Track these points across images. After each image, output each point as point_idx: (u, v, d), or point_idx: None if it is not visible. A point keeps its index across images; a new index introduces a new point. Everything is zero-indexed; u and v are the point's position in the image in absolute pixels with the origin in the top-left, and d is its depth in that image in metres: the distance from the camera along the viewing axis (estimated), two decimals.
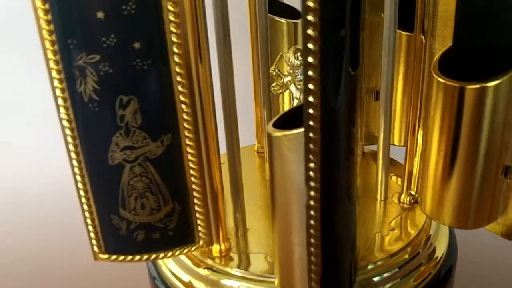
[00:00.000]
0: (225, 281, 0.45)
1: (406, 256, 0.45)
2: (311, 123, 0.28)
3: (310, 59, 0.27)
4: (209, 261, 0.46)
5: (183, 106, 0.37)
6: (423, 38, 0.44)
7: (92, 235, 0.43)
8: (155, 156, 0.39)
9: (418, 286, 0.45)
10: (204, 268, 0.46)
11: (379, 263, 0.44)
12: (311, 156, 0.29)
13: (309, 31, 0.26)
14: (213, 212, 0.43)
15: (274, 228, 0.36)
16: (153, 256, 0.44)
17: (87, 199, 0.41)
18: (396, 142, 0.53)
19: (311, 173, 0.30)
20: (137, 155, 0.39)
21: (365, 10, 0.31)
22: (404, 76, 0.49)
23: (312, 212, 0.31)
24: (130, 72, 0.35)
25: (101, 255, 0.44)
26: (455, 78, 0.37)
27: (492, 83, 0.36)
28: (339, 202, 0.33)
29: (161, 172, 0.40)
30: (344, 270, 0.37)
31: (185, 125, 0.38)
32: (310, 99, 0.28)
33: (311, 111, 0.28)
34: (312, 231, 0.32)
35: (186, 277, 0.47)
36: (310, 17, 0.26)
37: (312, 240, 0.33)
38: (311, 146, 0.29)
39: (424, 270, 0.46)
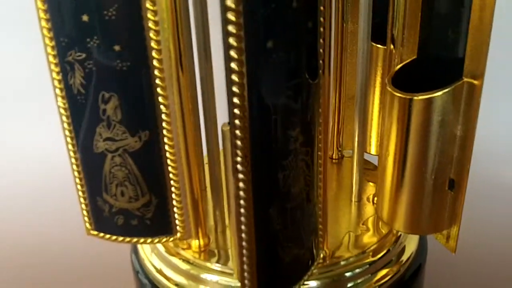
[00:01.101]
0: (204, 275, 0.48)
1: (377, 254, 0.47)
2: (236, 121, 0.32)
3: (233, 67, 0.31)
4: (189, 257, 0.49)
5: (162, 107, 0.40)
6: (393, 50, 0.46)
7: (84, 212, 0.47)
8: (133, 149, 0.42)
9: (387, 282, 0.48)
10: (184, 262, 0.49)
11: (351, 259, 0.47)
12: (238, 151, 0.33)
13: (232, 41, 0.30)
14: (192, 209, 0.46)
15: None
16: (134, 240, 0.47)
17: (80, 179, 0.45)
18: (373, 152, 0.55)
19: (238, 166, 0.33)
20: (117, 147, 0.43)
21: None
22: (380, 88, 0.51)
23: (242, 202, 0.34)
24: (111, 71, 0.39)
25: (91, 231, 0.48)
26: (421, 90, 0.39)
27: (434, 95, 0.38)
28: (275, 198, 0.36)
29: (139, 165, 0.43)
30: (282, 266, 0.39)
31: (164, 125, 0.41)
32: (235, 100, 0.31)
33: (236, 111, 0.32)
34: (243, 226, 0.36)
35: (168, 271, 0.50)
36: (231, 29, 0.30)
37: (243, 235, 0.36)
38: (238, 142, 0.33)
39: (394, 267, 0.49)
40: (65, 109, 0.42)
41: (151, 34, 0.38)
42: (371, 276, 0.48)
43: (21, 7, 0.73)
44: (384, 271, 0.48)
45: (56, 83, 0.41)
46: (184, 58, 0.40)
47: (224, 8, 0.29)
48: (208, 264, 0.48)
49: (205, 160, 0.51)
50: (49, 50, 0.40)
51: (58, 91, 0.42)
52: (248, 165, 0.34)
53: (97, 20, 0.37)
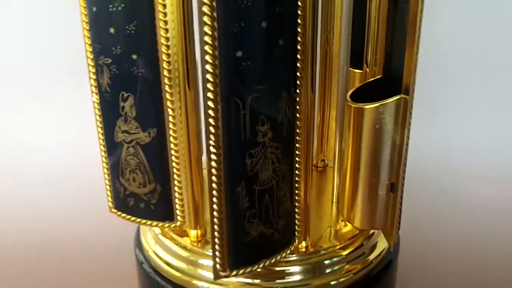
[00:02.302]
0: (202, 261, 0.54)
1: (352, 246, 0.55)
2: (210, 112, 0.42)
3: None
4: (189, 245, 0.56)
5: (170, 110, 0.49)
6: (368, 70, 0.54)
7: (108, 192, 0.56)
8: (144, 143, 0.51)
9: (360, 271, 0.56)
10: (184, 250, 0.56)
11: (330, 249, 0.55)
12: (211, 136, 0.42)
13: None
14: (191, 201, 0.54)
15: None
16: (141, 221, 0.56)
17: (106, 163, 0.55)
18: None
19: (211, 148, 0.42)
20: (131, 139, 0.51)
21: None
22: None
23: (214, 179, 0.43)
24: (129, 75, 0.48)
25: (112, 209, 0.57)
26: None
27: (378, 104, 0.46)
28: (242, 179, 0.45)
29: (147, 156, 0.51)
30: (250, 239, 0.47)
31: (171, 126, 0.49)
32: (209, 95, 0.40)
33: (210, 103, 0.41)
34: (214, 199, 0.44)
35: (170, 258, 0.57)
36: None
37: (215, 207, 0.45)
38: (211, 129, 0.42)
39: (366, 260, 0.56)
40: (97, 103, 0.52)
41: (163, 48, 0.47)
42: (346, 264, 0.55)
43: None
44: (357, 262, 0.56)
45: (92, 81, 0.51)
46: (191, 71, 0.49)
47: (202, 24, 0.39)
48: (205, 251, 0.55)
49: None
50: (88, 54, 0.50)
51: (93, 88, 0.51)
52: (220, 149, 0.43)
53: (121, 32, 0.48)
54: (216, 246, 0.46)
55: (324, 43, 0.60)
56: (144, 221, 0.56)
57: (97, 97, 0.52)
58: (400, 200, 0.50)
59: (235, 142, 0.44)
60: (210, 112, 0.42)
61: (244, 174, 0.45)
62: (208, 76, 0.40)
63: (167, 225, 0.55)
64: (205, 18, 0.38)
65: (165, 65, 0.48)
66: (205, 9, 0.37)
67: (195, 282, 0.54)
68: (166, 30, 0.46)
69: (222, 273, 0.47)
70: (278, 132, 0.46)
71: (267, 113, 0.44)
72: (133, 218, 0.56)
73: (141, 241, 0.61)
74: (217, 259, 0.47)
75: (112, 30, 0.48)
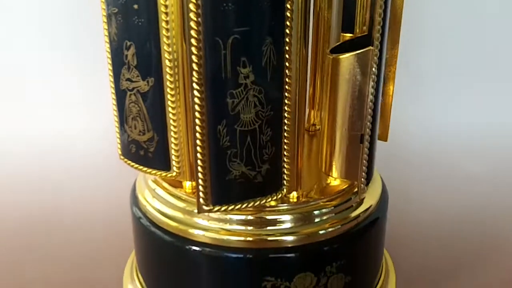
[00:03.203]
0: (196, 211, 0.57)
1: (340, 199, 0.58)
2: (193, 49, 0.45)
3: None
4: (184, 195, 0.59)
5: (167, 61, 0.50)
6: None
7: (117, 140, 0.59)
8: (143, 91, 0.53)
9: (349, 222, 0.59)
10: (180, 201, 0.59)
11: (320, 202, 0.58)
12: (194, 73, 0.46)
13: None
14: (187, 152, 0.56)
15: None
16: (143, 169, 0.59)
17: (116, 111, 0.57)
18: None
19: (194, 85, 0.46)
20: (133, 87, 0.54)
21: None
22: None
23: (197, 115, 0.47)
24: (131, 24, 0.51)
25: (121, 156, 0.60)
26: None
27: (350, 54, 0.49)
28: (223, 118, 0.48)
29: (146, 105, 0.54)
30: (231, 178, 0.50)
31: (168, 77, 0.51)
32: (192, 33, 0.44)
33: (193, 41, 0.45)
34: (197, 134, 0.48)
35: (167, 210, 0.59)
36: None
37: (198, 144, 0.48)
38: (194, 67, 0.45)
39: (353, 213, 0.59)
40: (108, 52, 0.55)
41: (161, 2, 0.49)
42: (334, 216, 0.58)
43: None
44: (345, 214, 0.59)
45: (104, 31, 0.55)
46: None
47: None
48: None
49: None
50: (101, 5, 0.54)
51: (106, 38, 0.55)
52: (202, 86, 0.46)
53: None
54: (200, 181, 0.50)
55: (317, 7, 0.63)
56: (144, 168, 0.59)
57: (108, 46, 0.55)
58: (367, 151, 0.52)
59: (216, 80, 0.47)
60: (193, 49, 0.45)
61: (225, 113, 0.48)
62: (191, 15, 0.44)
63: (164, 174, 0.58)
64: None
65: (163, 16, 0.50)
66: None
67: (191, 230, 0.57)
68: None
69: (205, 207, 0.51)
70: (261, 76, 0.49)
71: (248, 56, 0.47)
72: (136, 165, 0.59)
73: (138, 198, 0.63)
74: (201, 193, 0.50)
75: None
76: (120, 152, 0.61)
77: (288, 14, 0.48)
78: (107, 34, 0.55)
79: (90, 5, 0.87)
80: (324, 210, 0.58)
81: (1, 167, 1.02)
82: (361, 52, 0.49)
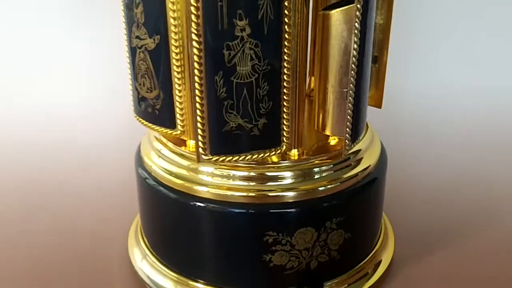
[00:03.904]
0: (201, 168, 0.59)
1: (339, 157, 0.60)
2: (192, 9, 0.47)
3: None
4: (188, 154, 0.61)
5: (172, 19, 0.52)
6: None
7: (131, 97, 0.62)
8: (150, 49, 0.55)
9: (348, 180, 0.61)
10: (184, 158, 0.61)
11: (319, 158, 0.60)
12: (193, 24, 0.48)
13: None
14: (191, 111, 0.57)
15: None
16: (148, 125, 0.61)
17: (129, 69, 0.59)
18: None
19: (193, 36, 0.48)
20: (141, 44, 0.56)
21: None
22: None
23: (196, 65, 0.49)
24: None
25: (134, 114, 0.62)
26: None
27: (337, 10, 0.51)
28: (220, 69, 0.50)
29: (153, 62, 0.55)
30: (228, 128, 0.53)
31: (172, 35, 0.53)
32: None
33: None
34: (196, 85, 0.50)
35: (172, 167, 0.61)
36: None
37: (197, 95, 0.50)
38: (193, 18, 0.48)
39: (352, 171, 0.61)
40: (122, 10, 0.57)
41: None
42: (333, 173, 0.60)
43: None
44: (344, 172, 0.61)
45: None
46: None
47: None
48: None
49: None
50: None
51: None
52: (200, 37, 0.48)
53: None
54: (199, 130, 0.52)
55: None
56: (152, 126, 0.61)
57: (122, 4, 0.57)
58: (351, 107, 0.54)
59: (213, 31, 0.49)
60: (192, 1, 0.47)
61: (221, 64, 0.50)
62: None
63: (169, 132, 0.60)
64: None
65: None
66: None
67: (195, 187, 0.59)
68: None
69: (204, 157, 0.53)
70: (258, 30, 0.50)
71: (244, 8, 0.49)
72: (145, 123, 0.61)
73: (143, 159, 0.65)
74: (200, 143, 0.52)
75: None
76: (133, 109, 0.63)
77: None
78: None
79: None
80: (323, 168, 0.60)
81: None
82: (345, 8, 0.51)
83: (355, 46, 0.51)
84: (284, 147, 0.57)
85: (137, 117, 0.62)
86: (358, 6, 0.50)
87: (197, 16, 0.47)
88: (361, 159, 0.62)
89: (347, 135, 0.55)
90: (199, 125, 0.51)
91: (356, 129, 0.57)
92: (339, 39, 0.52)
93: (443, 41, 1.11)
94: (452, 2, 1.08)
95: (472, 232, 0.78)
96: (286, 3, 0.50)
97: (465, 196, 0.87)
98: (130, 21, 0.57)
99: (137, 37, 0.56)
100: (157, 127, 0.61)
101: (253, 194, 0.58)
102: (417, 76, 1.12)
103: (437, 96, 1.11)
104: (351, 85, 0.52)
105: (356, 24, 0.50)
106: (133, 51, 0.58)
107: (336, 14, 0.51)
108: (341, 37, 0.52)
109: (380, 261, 0.69)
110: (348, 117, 0.54)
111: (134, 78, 0.60)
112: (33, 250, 0.74)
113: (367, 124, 0.67)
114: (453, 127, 1.07)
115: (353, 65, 0.52)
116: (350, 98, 0.53)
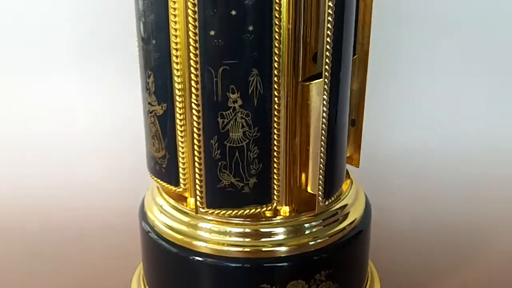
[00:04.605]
0: (200, 224, 0.63)
1: (328, 213, 0.66)
2: (192, 75, 0.56)
3: None
4: (188, 211, 0.64)
5: (176, 90, 0.57)
6: None
7: (146, 155, 0.68)
8: (159, 114, 0.60)
9: (336, 234, 0.66)
10: (185, 215, 0.65)
11: (308, 215, 0.65)
12: (193, 95, 0.56)
13: None
14: (192, 171, 0.61)
15: None
16: (159, 181, 0.67)
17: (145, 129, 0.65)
18: None
19: (193, 105, 0.56)
20: (152, 110, 0.60)
21: None
22: None
23: (195, 130, 0.57)
24: (150, 57, 0.58)
25: (149, 172, 0.68)
26: None
27: (312, 82, 0.59)
28: (215, 134, 0.58)
29: (161, 127, 0.61)
30: (221, 186, 0.59)
31: (177, 104, 0.58)
32: (192, 63, 0.55)
33: (192, 70, 0.56)
34: (195, 143, 0.58)
35: (173, 224, 0.65)
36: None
37: (196, 159, 0.58)
38: (193, 90, 0.56)
39: (340, 226, 0.67)
40: (141, 77, 0.62)
41: (172, 38, 0.55)
42: (322, 228, 0.65)
43: None
44: (332, 227, 0.66)
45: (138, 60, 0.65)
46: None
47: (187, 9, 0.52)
48: (202, 216, 0.66)
49: None
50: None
51: (139, 66, 0.65)
52: (199, 106, 0.57)
53: (142, 21, 0.61)
54: (197, 186, 0.60)
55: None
56: (160, 182, 0.68)
57: (139, 71, 0.62)
58: (322, 167, 0.61)
59: (210, 103, 0.57)
60: (192, 76, 0.56)
61: (216, 130, 0.58)
62: (191, 48, 0.55)
63: (174, 189, 0.64)
64: (189, 5, 0.53)
65: (173, 52, 0.58)
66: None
67: (194, 242, 0.65)
68: (175, 22, 0.56)
69: (201, 209, 0.60)
70: (248, 102, 0.58)
71: (236, 84, 0.57)
72: (155, 178, 0.68)
73: (146, 213, 0.69)
74: (198, 197, 0.60)
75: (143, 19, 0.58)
76: (147, 165, 0.70)
77: (277, 52, 0.57)
78: (138, 64, 0.64)
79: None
80: (313, 223, 0.66)
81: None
82: (317, 82, 0.59)
83: (324, 114, 0.58)
84: (275, 204, 0.63)
85: (150, 172, 0.69)
86: (326, 81, 0.57)
87: (197, 89, 0.55)
88: (347, 213, 0.68)
89: (319, 192, 0.62)
90: (197, 181, 0.59)
91: (330, 186, 0.64)
92: (315, 107, 0.59)
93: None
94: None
95: (455, 275, 0.82)
96: (275, 79, 0.58)
97: (446, 237, 0.91)
98: (144, 89, 0.64)
99: (149, 103, 0.64)
100: (164, 183, 0.68)
101: (248, 249, 0.64)
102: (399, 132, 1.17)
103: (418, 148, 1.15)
104: (322, 148, 0.60)
105: (325, 96, 0.58)
106: (146, 114, 0.66)
107: (311, 86, 0.59)
108: (316, 105, 0.59)
109: None
110: (320, 176, 0.61)
111: (147, 138, 0.67)
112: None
113: (351, 180, 0.73)
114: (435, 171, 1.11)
115: (323, 131, 0.59)
116: (321, 159, 0.60)
